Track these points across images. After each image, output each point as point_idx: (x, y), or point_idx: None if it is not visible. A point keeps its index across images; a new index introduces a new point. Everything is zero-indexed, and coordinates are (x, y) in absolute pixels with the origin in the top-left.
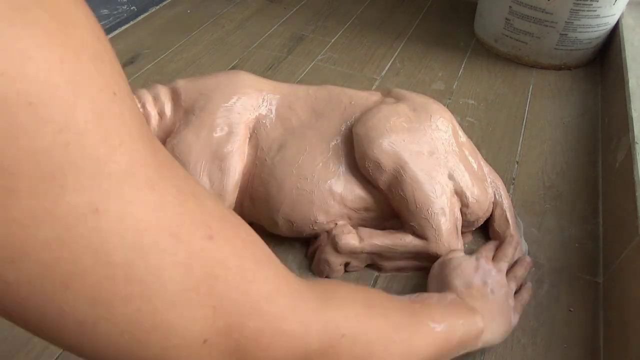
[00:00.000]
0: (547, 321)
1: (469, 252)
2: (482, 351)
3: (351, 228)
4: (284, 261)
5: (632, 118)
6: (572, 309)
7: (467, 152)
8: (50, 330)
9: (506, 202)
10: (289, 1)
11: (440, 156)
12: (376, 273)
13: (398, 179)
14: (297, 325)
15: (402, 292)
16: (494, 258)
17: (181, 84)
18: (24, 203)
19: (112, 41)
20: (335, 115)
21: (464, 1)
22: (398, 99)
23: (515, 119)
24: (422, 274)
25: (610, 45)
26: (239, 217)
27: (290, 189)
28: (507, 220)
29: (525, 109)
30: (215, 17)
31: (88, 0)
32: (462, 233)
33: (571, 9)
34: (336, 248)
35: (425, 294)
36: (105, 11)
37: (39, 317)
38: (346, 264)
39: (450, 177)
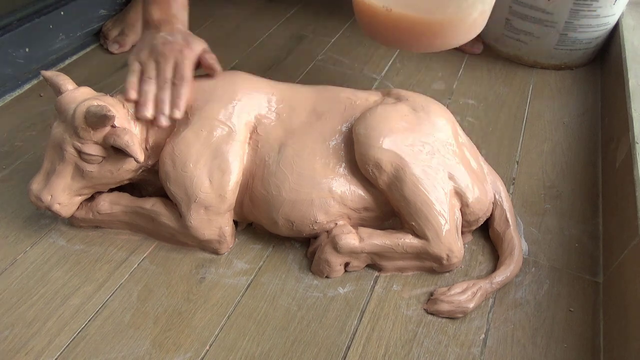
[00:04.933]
0: (547, 321)
1: (469, 252)
2: (482, 351)
3: (351, 228)
4: (284, 261)
5: (632, 118)
6: (572, 309)
7: (467, 152)
8: None
9: (506, 202)
10: (289, 1)
11: (440, 156)
12: (376, 273)
13: (398, 179)
14: None
15: (402, 292)
16: None
17: None
18: None
19: None
20: (335, 115)
21: None
22: (398, 99)
23: (515, 119)
24: (422, 274)
25: (610, 45)
26: None
27: (290, 189)
28: (507, 220)
29: (525, 109)
30: (215, 17)
31: (87, 0)
32: (462, 233)
33: (571, 9)
34: (336, 248)
35: None
36: (104, 12)
37: None
38: (346, 264)
39: (450, 177)
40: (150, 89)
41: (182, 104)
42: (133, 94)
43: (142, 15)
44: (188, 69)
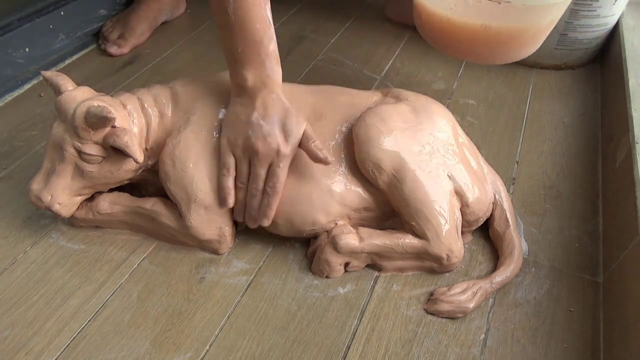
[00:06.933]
0: (547, 321)
1: (469, 252)
2: (482, 351)
3: (351, 228)
4: (284, 261)
5: (632, 118)
6: (572, 309)
7: (467, 152)
8: None
9: (506, 202)
10: (289, 1)
11: (440, 156)
12: (376, 273)
13: (398, 179)
14: None
15: (402, 292)
16: None
17: (181, 84)
18: None
19: None
20: (335, 115)
21: None
22: (398, 99)
23: (515, 119)
24: (422, 274)
25: (610, 45)
26: None
27: (290, 189)
28: (507, 220)
29: (525, 109)
30: (215, 17)
31: (87, 0)
32: (462, 233)
33: (571, 9)
34: (336, 248)
35: None
36: (104, 12)
37: None
38: (346, 264)
39: (450, 177)
40: (242, 195)
41: (271, 213)
42: (230, 202)
43: (232, 77)
44: (281, 180)
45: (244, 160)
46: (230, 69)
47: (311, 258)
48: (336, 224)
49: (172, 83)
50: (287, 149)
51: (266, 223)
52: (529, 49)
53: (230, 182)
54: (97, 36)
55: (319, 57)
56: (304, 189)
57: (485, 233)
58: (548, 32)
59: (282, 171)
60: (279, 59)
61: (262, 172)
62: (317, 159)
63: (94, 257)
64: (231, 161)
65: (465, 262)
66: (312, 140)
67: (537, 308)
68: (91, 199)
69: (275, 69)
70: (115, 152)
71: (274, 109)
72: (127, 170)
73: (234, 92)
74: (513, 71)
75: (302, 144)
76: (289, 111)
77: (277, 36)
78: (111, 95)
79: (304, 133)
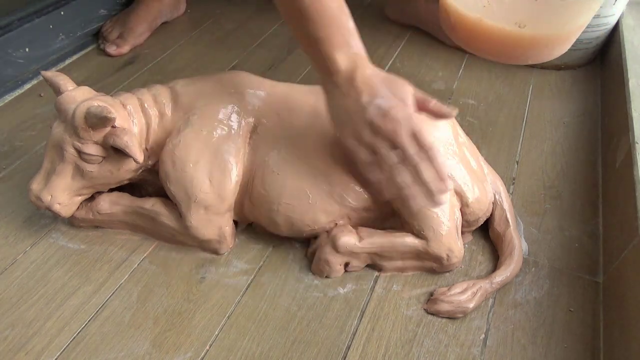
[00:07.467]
0: (547, 321)
1: (469, 252)
2: (482, 351)
3: (351, 228)
4: (284, 261)
5: (632, 118)
6: (572, 309)
7: (467, 152)
8: None
9: (506, 202)
10: None
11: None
12: (376, 273)
13: None
14: None
15: (402, 292)
16: None
17: (181, 84)
18: None
19: None
20: None
21: None
22: None
23: (515, 119)
24: (422, 274)
25: (610, 45)
26: None
27: (290, 189)
28: (507, 220)
29: (525, 109)
30: (215, 17)
31: (87, 0)
32: (462, 233)
33: None
34: (336, 248)
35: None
36: (104, 12)
37: None
38: (346, 264)
39: (450, 177)
40: (406, 176)
41: (445, 173)
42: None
43: (319, 67)
44: (425, 137)
45: (383, 144)
46: (314, 59)
47: (311, 258)
48: (336, 224)
49: (172, 83)
50: (410, 109)
51: (450, 186)
52: (562, 49)
53: (378, 172)
54: (97, 36)
55: None
56: (304, 189)
57: (485, 233)
58: (580, 32)
59: (424, 130)
60: (356, 29)
61: (410, 142)
62: (443, 116)
63: (94, 257)
64: (369, 154)
65: (465, 262)
66: (427, 102)
67: (537, 308)
68: (91, 199)
69: (359, 44)
70: (115, 152)
71: (377, 82)
72: (127, 170)
73: (327, 85)
74: (513, 71)
75: (420, 109)
76: (389, 79)
77: (277, 36)
78: (111, 95)
79: (414, 96)
